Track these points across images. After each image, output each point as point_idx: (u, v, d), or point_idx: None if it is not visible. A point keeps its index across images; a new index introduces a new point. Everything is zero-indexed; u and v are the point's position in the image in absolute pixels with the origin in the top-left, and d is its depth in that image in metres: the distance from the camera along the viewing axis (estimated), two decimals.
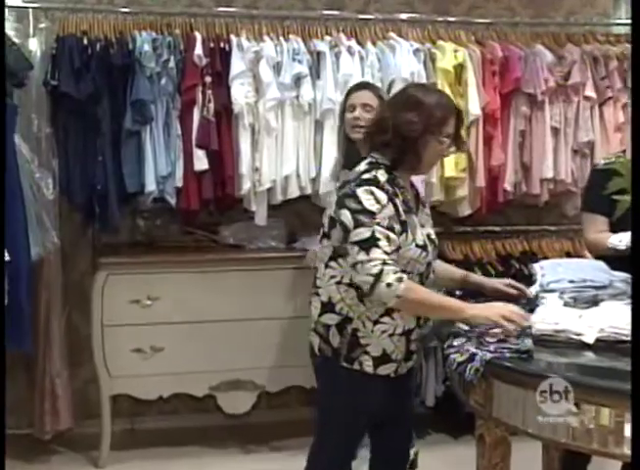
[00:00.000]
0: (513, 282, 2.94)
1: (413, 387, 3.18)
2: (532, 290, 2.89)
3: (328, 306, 2.68)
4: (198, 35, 4.06)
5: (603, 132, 4.46)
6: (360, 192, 2.58)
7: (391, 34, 4.30)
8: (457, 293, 2.88)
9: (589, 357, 2.44)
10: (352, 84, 3.80)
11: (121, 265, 4.04)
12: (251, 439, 4.34)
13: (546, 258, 4.12)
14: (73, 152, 3.97)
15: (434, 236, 2.79)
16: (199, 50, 4.01)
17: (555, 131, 4.42)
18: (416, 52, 4.24)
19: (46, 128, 3.97)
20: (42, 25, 3.98)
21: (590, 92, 4.41)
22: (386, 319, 2.64)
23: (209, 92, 4.03)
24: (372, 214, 2.54)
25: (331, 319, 2.67)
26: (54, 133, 3.97)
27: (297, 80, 4.11)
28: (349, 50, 4.17)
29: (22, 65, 3.80)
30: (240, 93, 4.03)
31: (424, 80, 4.19)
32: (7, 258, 3.41)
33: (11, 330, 3.56)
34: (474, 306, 2.59)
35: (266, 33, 4.17)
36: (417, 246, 2.64)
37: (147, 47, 3.94)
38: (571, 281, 2.85)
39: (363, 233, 2.53)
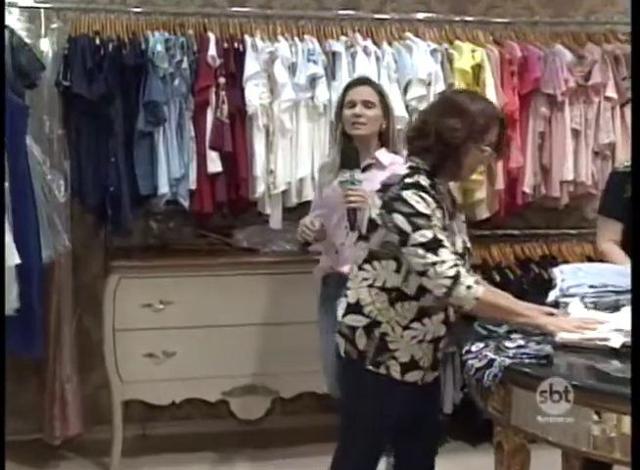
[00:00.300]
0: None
1: (439, 399, 3.13)
2: (552, 295, 2.84)
3: (353, 308, 2.66)
4: (211, 36, 4.03)
5: (624, 134, 4.39)
6: (408, 195, 2.55)
7: (408, 34, 4.26)
8: None
9: (611, 364, 2.37)
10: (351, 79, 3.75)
11: (134, 269, 4.01)
12: (264, 445, 4.30)
13: (566, 262, 4.07)
14: (86, 153, 3.94)
15: (469, 244, 2.76)
16: (212, 50, 3.98)
17: (575, 133, 4.37)
18: (433, 52, 4.20)
19: (58, 130, 3.95)
20: (54, 26, 3.96)
21: (611, 93, 4.36)
22: (416, 325, 2.62)
23: (223, 93, 4.00)
24: (427, 217, 2.52)
25: (357, 321, 2.65)
26: (66, 134, 3.95)
27: (313, 81, 4.08)
28: (365, 50, 4.13)
29: (34, 65, 3.79)
30: (254, 94, 4.00)
31: (441, 81, 4.16)
32: (18, 260, 3.41)
33: (22, 334, 3.58)
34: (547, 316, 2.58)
35: (281, 33, 4.14)
36: (456, 254, 2.61)
37: (160, 47, 3.92)
38: (592, 286, 2.80)
39: (426, 235, 2.50)
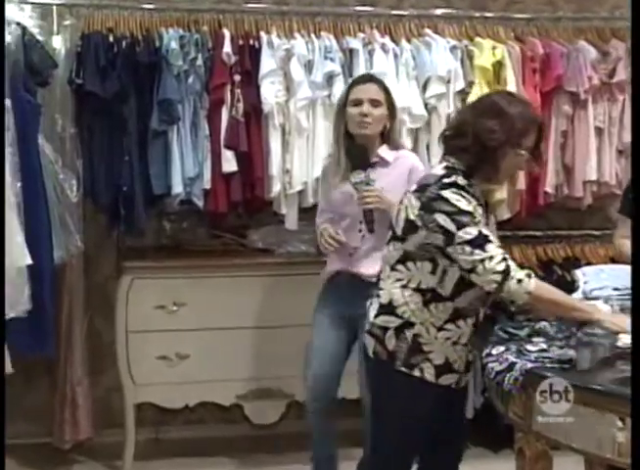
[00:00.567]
0: None
1: (466, 403, 3.08)
2: (574, 297, 2.76)
3: (386, 308, 2.63)
4: (226, 32, 3.99)
5: None
6: (449, 194, 2.53)
7: (427, 31, 4.20)
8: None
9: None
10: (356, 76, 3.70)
11: (147, 270, 3.99)
12: (279, 450, 4.27)
13: (589, 263, 4.04)
14: (98, 152, 3.91)
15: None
16: (227, 48, 3.94)
17: (599, 131, 4.32)
18: (453, 49, 4.15)
19: (70, 128, 3.92)
20: (67, 23, 3.94)
21: None
22: (450, 326, 2.60)
23: (238, 91, 3.96)
24: (470, 214, 2.50)
25: (389, 322, 2.62)
26: (78, 133, 3.91)
27: (330, 79, 4.03)
28: (383, 47, 4.08)
29: (46, 63, 3.75)
30: (270, 92, 3.96)
31: (461, 79, 4.11)
32: (30, 261, 3.39)
33: (34, 334, 3.58)
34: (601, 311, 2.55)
35: (297, 30, 4.10)
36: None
37: (174, 45, 3.88)
38: (616, 289, 2.76)
39: (471, 232, 2.48)
